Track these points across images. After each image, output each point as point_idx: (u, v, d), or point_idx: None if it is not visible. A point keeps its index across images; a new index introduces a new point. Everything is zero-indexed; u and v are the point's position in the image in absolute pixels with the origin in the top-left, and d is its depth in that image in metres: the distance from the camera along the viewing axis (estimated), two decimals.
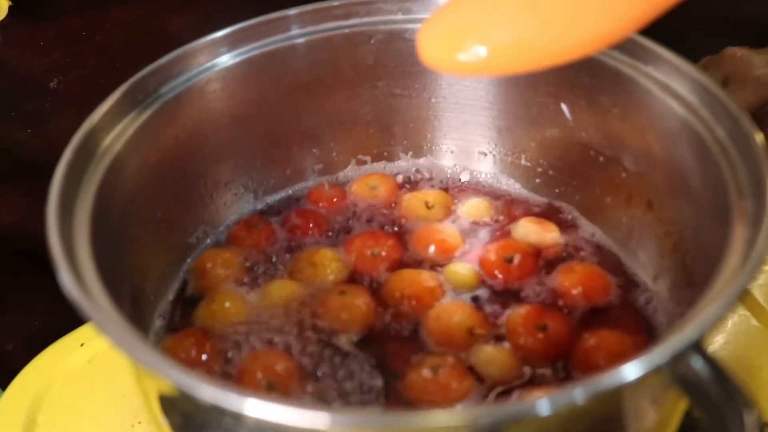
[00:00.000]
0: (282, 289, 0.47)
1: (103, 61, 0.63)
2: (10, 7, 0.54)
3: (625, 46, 0.45)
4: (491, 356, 0.42)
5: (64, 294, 0.31)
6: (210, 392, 0.25)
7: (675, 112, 0.41)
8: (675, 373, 0.28)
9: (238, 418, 0.26)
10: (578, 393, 0.24)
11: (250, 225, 0.52)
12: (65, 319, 0.55)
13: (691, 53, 0.42)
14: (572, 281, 0.45)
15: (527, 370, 0.41)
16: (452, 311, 0.44)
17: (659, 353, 0.26)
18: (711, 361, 0.27)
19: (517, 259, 0.47)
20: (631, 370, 0.26)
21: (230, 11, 0.68)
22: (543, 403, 0.24)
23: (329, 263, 0.48)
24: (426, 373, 0.40)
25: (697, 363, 0.27)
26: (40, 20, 0.59)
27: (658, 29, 0.33)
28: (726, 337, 0.49)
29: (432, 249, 0.49)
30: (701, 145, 0.39)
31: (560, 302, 0.45)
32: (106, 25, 0.64)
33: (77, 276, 0.32)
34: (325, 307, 0.45)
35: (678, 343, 0.26)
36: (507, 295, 0.47)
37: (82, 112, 0.64)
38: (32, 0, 0.58)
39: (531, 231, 0.50)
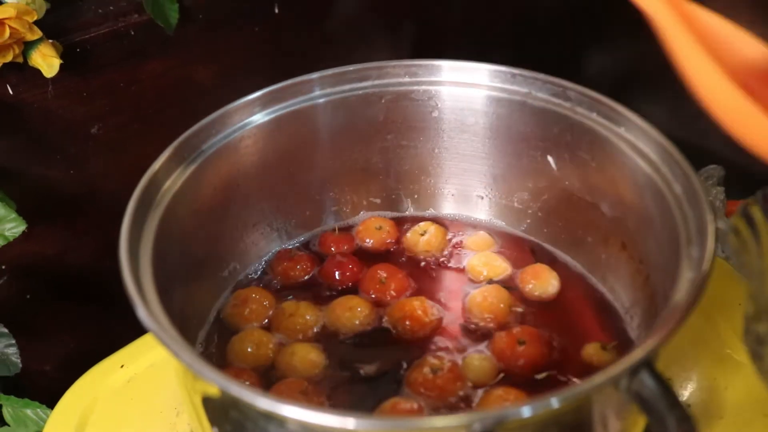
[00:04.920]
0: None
1: (137, 108, 0.69)
2: (60, 64, 0.58)
3: (602, 110, 0.52)
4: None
5: (144, 325, 0.37)
6: (264, 402, 0.32)
7: (641, 169, 0.48)
8: (631, 389, 0.35)
9: (283, 423, 0.33)
10: (554, 400, 0.31)
11: (288, 258, 0.58)
12: (98, 343, 0.62)
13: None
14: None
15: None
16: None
17: (614, 369, 0.33)
18: (658, 379, 0.34)
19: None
20: (594, 381, 0.32)
21: (248, 63, 0.74)
22: (525, 409, 0.31)
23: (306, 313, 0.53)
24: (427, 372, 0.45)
25: (647, 380, 0.34)
26: (85, 74, 0.64)
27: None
28: (695, 363, 0.55)
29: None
30: (661, 198, 0.46)
31: None
32: (141, 77, 0.67)
33: (150, 311, 0.38)
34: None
35: (626, 363, 0.33)
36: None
37: (118, 155, 0.70)
38: (79, 57, 0.63)
39: (482, 261, 0.58)
